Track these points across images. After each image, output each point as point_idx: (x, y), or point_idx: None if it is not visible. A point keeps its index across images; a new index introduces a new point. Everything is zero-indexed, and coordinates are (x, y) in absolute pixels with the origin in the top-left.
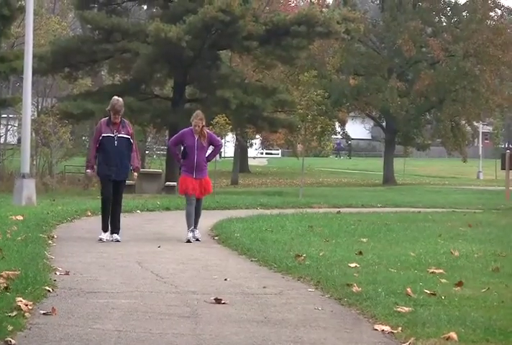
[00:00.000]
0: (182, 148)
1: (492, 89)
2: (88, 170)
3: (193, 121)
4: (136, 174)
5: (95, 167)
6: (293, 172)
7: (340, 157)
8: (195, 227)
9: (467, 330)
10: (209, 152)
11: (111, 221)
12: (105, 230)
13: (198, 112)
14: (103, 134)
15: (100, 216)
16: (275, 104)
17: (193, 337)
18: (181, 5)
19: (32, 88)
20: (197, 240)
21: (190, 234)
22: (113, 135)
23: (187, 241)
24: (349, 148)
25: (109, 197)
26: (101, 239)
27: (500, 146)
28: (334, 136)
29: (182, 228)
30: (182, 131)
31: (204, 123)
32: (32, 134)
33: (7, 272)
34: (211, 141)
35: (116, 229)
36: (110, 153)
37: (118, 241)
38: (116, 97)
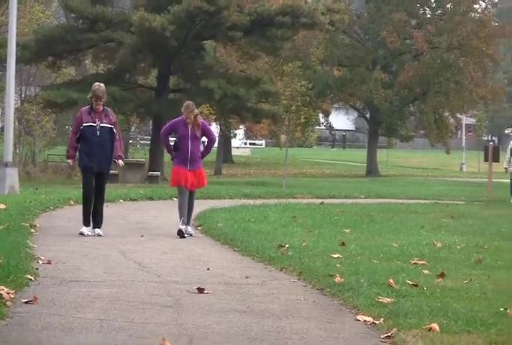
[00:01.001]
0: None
1: (476, 81)
2: (69, 160)
3: (184, 114)
4: (121, 162)
5: (76, 156)
6: (277, 163)
7: (334, 148)
8: (187, 223)
9: (448, 321)
10: (202, 147)
11: (93, 216)
12: (87, 224)
13: (188, 104)
14: (84, 124)
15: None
16: (259, 95)
17: (175, 326)
18: None
19: (16, 76)
20: (190, 235)
21: (183, 226)
22: (95, 124)
23: (178, 232)
24: (344, 139)
25: (91, 190)
26: (81, 233)
27: (483, 138)
28: (318, 128)
29: (166, 217)
30: (174, 120)
31: (197, 113)
32: (15, 123)
33: None
34: (204, 132)
35: (98, 224)
36: (92, 143)
37: (100, 235)
38: (97, 83)
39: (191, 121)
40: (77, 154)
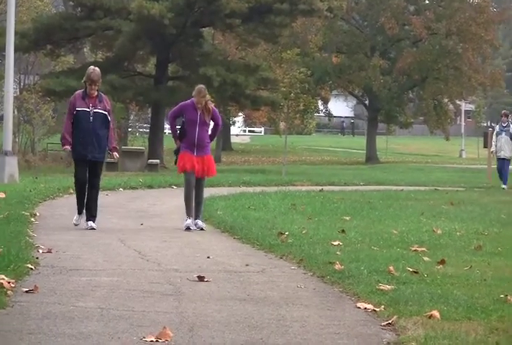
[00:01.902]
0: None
1: (475, 67)
2: (65, 147)
3: (195, 98)
4: (115, 154)
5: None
6: (276, 150)
7: (344, 134)
8: (197, 216)
9: (449, 308)
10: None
11: (86, 208)
12: (80, 212)
13: (201, 88)
14: (77, 108)
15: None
16: (258, 82)
17: (175, 315)
18: None
19: (14, 65)
20: (201, 229)
21: (189, 220)
22: (88, 110)
23: (186, 229)
24: (353, 126)
25: (84, 180)
26: (76, 224)
27: (482, 124)
28: (317, 115)
29: (165, 206)
30: (184, 103)
31: (208, 98)
32: (14, 112)
33: None
34: (213, 118)
35: (91, 217)
36: (85, 130)
37: (93, 229)
38: (92, 66)
39: (202, 106)
40: None
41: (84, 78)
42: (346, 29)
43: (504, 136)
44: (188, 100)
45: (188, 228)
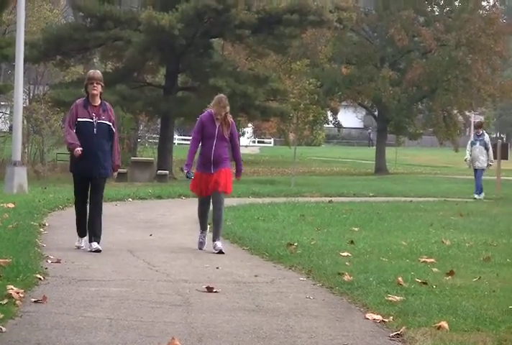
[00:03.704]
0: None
1: (484, 79)
2: (77, 149)
3: (215, 109)
4: (115, 174)
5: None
6: (285, 161)
7: (372, 146)
8: (216, 237)
9: (458, 319)
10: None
11: (89, 228)
12: (81, 235)
13: (221, 98)
14: (79, 119)
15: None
16: (268, 93)
17: (184, 325)
18: None
19: (24, 75)
20: (220, 252)
21: (202, 236)
22: (92, 120)
23: (199, 246)
24: (369, 137)
25: (85, 200)
26: (78, 247)
27: (491, 135)
28: (327, 126)
29: (174, 216)
30: (201, 118)
31: (228, 110)
32: (23, 122)
33: None
34: (231, 134)
35: (96, 237)
36: (87, 143)
37: (98, 251)
38: (91, 70)
39: (221, 118)
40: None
41: (85, 82)
42: (356, 40)
43: (478, 147)
44: (205, 113)
45: (200, 246)
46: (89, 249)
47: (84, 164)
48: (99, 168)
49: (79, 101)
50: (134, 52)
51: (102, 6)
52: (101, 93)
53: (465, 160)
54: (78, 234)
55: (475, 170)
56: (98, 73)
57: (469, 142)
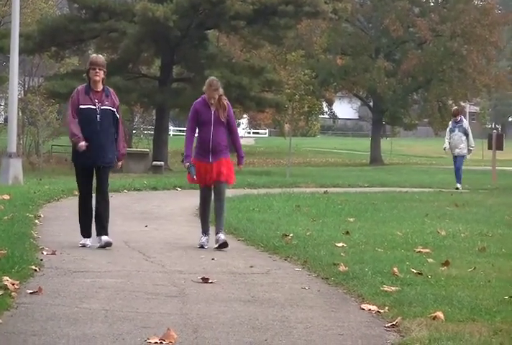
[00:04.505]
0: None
1: (479, 69)
2: (82, 144)
3: (207, 93)
4: (119, 163)
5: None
6: (280, 152)
7: (387, 138)
8: (219, 230)
9: (453, 309)
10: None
11: (96, 221)
12: (86, 235)
13: (212, 80)
14: (81, 106)
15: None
16: (263, 84)
17: (180, 316)
18: None
19: (19, 67)
20: (224, 244)
21: (204, 239)
22: (94, 107)
23: (200, 247)
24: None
25: (90, 192)
26: (84, 245)
27: (487, 126)
28: (322, 117)
29: (169, 207)
30: (194, 105)
31: (222, 93)
32: (18, 114)
33: None
34: (229, 118)
35: (103, 230)
36: (91, 131)
37: (109, 243)
38: (94, 54)
39: (215, 102)
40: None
41: (87, 66)
42: (351, 31)
43: (458, 133)
44: (199, 99)
45: (201, 247)
46: (99, 245)
47: (87, 153)
48: (103, 157)
49: (80, 88)
50: (129, 44)
51: None
52: (103, 79)
53: (444, 149)
54: (82, 235)
55: (455, 158)
56: (100, 58)
57: (448, 129)
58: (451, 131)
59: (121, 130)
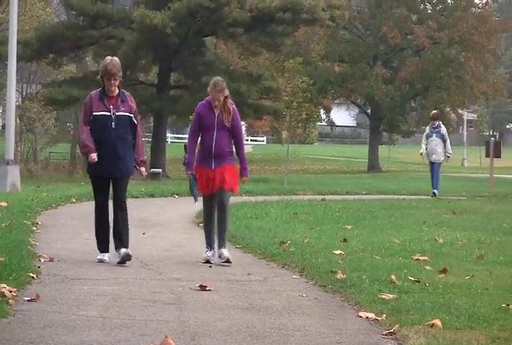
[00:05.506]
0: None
1: (477, 76)
2: (92, 154)
3: (211, 94)
4: (143, 170)
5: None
6: (278, 159)
7: (394, 145)
8: (221, 246)
9: (451, 317)
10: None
11: (115, 235)
12: (103, 250)
13: (217, 81)
14: (94, 112)
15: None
16: (260, 91)
17: (177, 324)
18: None
19: (17, 74)
20: (227, 261)
21: (210, 253)
22: (109, 113)
23: (205, 262)
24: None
25: (107, 203)
26: (101, 261)
27: (484, 133)
28: (320, 124)
29: (167, 215)
30: (197, 108)
31: (227, 94)
32: (16, 121)
33: None
34: (234, 123)
35: (123, 243)
36: (105, 138)
37: (129, 256)
38: (108, 57)
39: (219, 105)
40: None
41: (100, 73)
42: (349, 38)
43: (435, 139)
44: (203, 101)
45: (207, 262)
46: (119, 259)
47: (102, 163)
48: (120, 167)
49: (94, 93)
50: (127, 51)
51: (95, 5)
52: (120, 82)
53: (421, 154)
54: (99, 249)
55: (432, 164)
56: (115, 65)
57: (425, 135)
58: (429, 136)
59: (140, 136)
